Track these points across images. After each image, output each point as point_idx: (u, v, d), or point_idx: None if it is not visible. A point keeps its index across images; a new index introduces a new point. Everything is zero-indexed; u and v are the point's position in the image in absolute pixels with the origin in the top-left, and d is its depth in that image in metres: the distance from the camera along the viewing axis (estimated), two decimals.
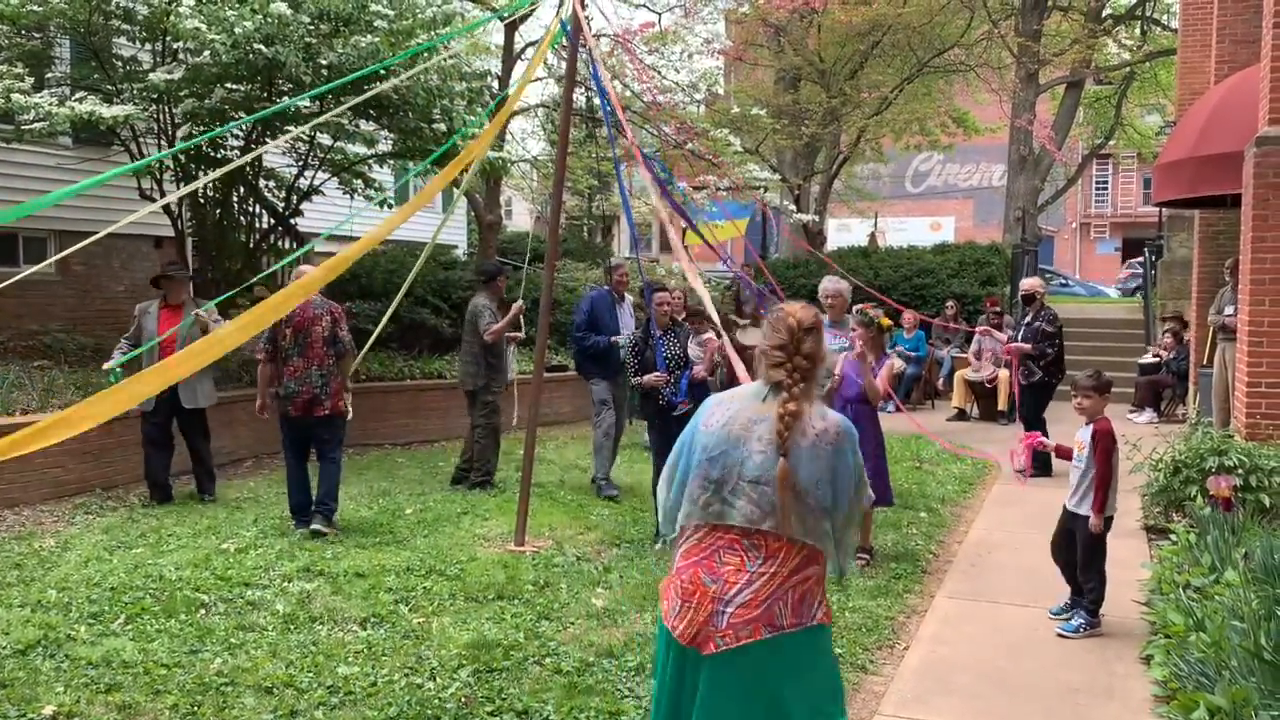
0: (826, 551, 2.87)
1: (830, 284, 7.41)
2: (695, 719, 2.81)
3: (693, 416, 3.10)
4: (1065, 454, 5.53)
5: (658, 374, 6.71)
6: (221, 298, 6.13)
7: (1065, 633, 5.05)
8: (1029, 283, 9.72)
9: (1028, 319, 9.36)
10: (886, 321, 6.55)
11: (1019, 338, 9.34)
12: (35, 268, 6.50)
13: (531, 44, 13.75)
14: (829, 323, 7.36)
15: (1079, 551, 5.15)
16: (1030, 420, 9.15)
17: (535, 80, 15.06)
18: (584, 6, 6.67)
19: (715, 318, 6.46)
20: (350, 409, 7.31)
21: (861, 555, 6.20)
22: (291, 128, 9.12)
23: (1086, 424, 5.21)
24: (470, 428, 8.55)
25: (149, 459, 7.84)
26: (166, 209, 10.54)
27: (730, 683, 2.78)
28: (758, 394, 2.96)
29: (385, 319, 7.91)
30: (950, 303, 14.88)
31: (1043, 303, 9.38)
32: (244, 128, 10.24)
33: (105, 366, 7.42)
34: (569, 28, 6.64)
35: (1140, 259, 20.59)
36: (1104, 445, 5.07)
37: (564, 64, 7.45)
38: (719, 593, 2.79)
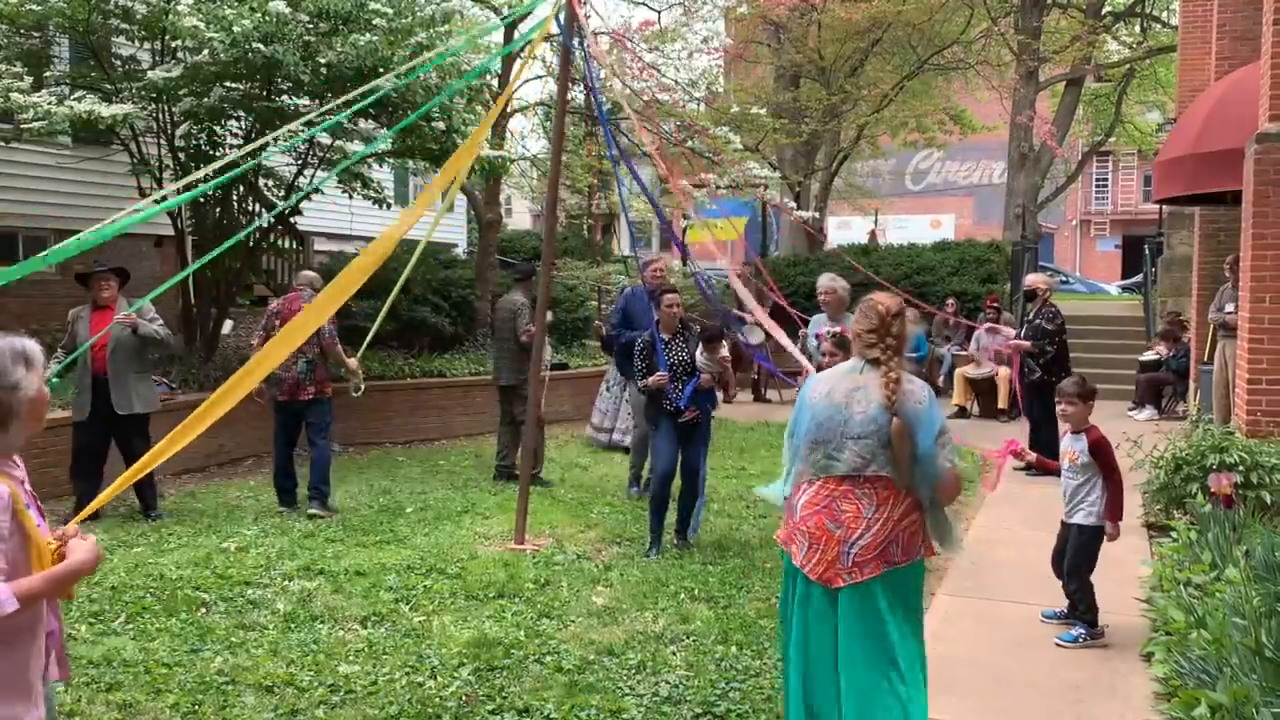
0: (920, 495, 3.37)
1: (826, 281, 7.35)
2: (832, 639, 3.35)
3: (799, 394, 3.63)
4: (1045, 466, 5.40)
5: (659, 374, 6.55)
6: (154, 294, 5.60)
7: (1063, 642, 4.95)
8: (1032, 279, 9.51)
9: (1030, 316, 9.25)
10: None
11: (1021, 335, 9.24)
12: (33, 259, 6.45)
13: (531, 42, 13.72)
14: (825, 320, 7.31)
15: (1069, 559, 5.07)
16: (1037, 420, 8.99)
17: (534, 79, 15.05)
18: (582, 3, 6.66)
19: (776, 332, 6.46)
20: (362, 385, 7.87)
21: None
22: (295, 126, 9.10)
23: (1074, 433, 5.11)
24: (505, 422, 8.77)
25: (76, 470, 7.22)
26: (168, 210, 10.52)
27: (857, 609, 3.31)
28: (853, 369, 3.50)
29: (381, 316, 7.87)
30: (950, 301, 14.89)
31: (1045, 300, 9.18)
32: (243, 128, 10.24)
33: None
34: (563, 24, 6.61)
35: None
36: (1108, 455, 5.00)
37: (548, 52, 7.43)
38: (844, 536, 3.31)
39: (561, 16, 6.64)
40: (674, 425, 6.60)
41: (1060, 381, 9.09)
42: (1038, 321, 9.05)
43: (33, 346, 2.46)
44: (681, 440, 6.66)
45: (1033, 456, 5.30)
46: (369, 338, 8.00)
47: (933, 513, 3.46)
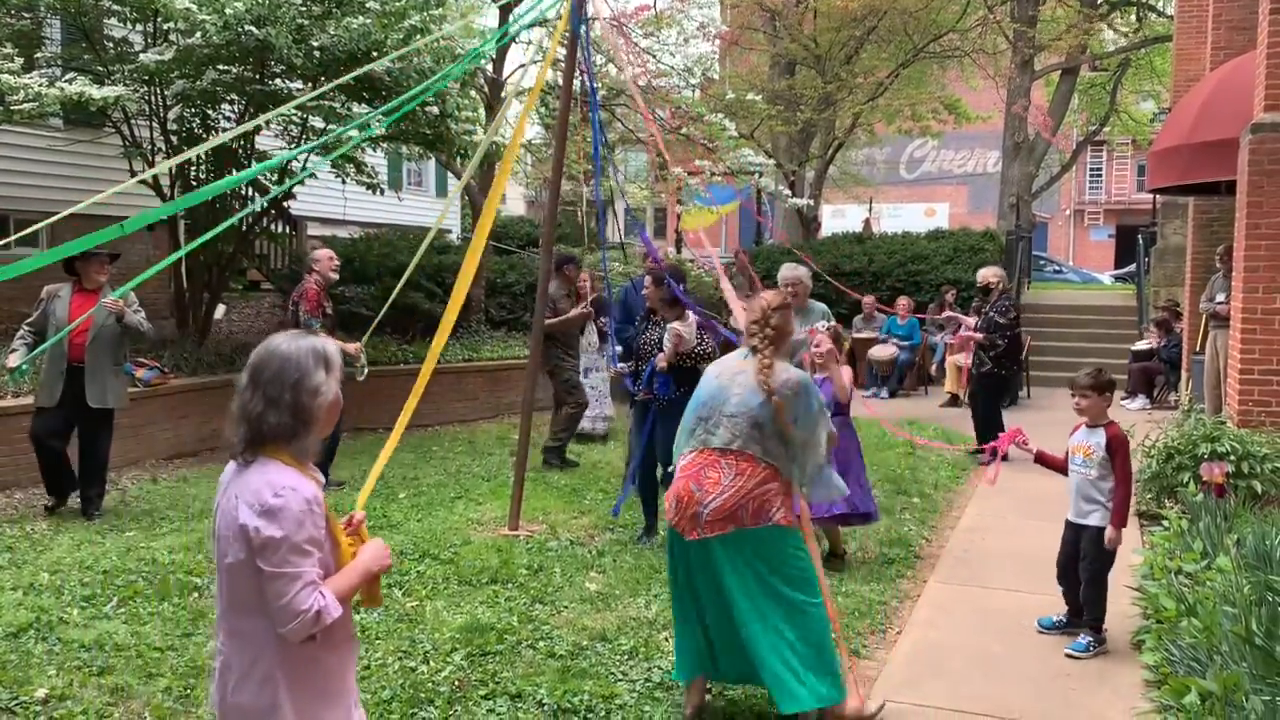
0: (784, 470, 3.83)
1: (789, 271, 7.23)
2: (693, 584, 3.96)
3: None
4: (1049, 461, 5.02)
5: (621, 366, 6.65)
6: (135, 282, 5.23)
7: (1075, 653, 4.69)
8: (985, 273, 9.76)
9: (984, 309, 9.57)
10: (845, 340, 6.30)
11: (976, 327, 9.53)
12: (19, 235, 6.32)
13: (525, 27, 13.63)
14: None
15: (1086, 565, 4.79)
16: (982, 409, 9.29)
17: (531, 64, 14.98)
18: None
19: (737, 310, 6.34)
20: (366, 368, 8.07)
21: (833, 559, 5.99)
22: (286, 110, 9.04)
23: (1090, 426, 4.84)
24: (555, 405, 9.04)
25: (45, 462, 6.88)
26: (159, 192, 10.47)
27: (708, 561, 3.86)
28: (741, 355, 4.05)
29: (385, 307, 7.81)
30: (949, 290, 14.89)
31: (999, 293, 9.46)
32: (237, 110, 10.17)
33: (9, 365, 6.55)
34: (574, 8, 6.56)
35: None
36: (1126, 454, 4.75)
37: (561, 49, 7.39)
38: (701, 498, 3.79)
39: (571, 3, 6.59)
40: (641, 412, 6.49)
41: (1009, 373, 9.51)
42: (991, 314, 9.34)
43: (331, 347, 2.44)
44: (652, 427, 6.44)
45: (1034, 447, 4.95)
46: (371, 328, 7.91)
47: (815, 478, 3.94)
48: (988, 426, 9.00)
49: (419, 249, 7.26)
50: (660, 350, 6.42)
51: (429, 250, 13.68)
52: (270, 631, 2.31)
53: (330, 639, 2.38)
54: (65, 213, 5.15)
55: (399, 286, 7.52)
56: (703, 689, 4.08)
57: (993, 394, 9.37)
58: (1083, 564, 4.82)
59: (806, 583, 3.85)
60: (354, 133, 9.72)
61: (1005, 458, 5.51)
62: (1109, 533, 4.72)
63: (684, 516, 3.83)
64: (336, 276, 8.10)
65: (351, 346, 7.94)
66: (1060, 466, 5.00)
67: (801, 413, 3.84)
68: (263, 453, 2.36)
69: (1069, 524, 4.93)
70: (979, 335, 9.28)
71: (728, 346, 7.76)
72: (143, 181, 10.10)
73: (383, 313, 7.77)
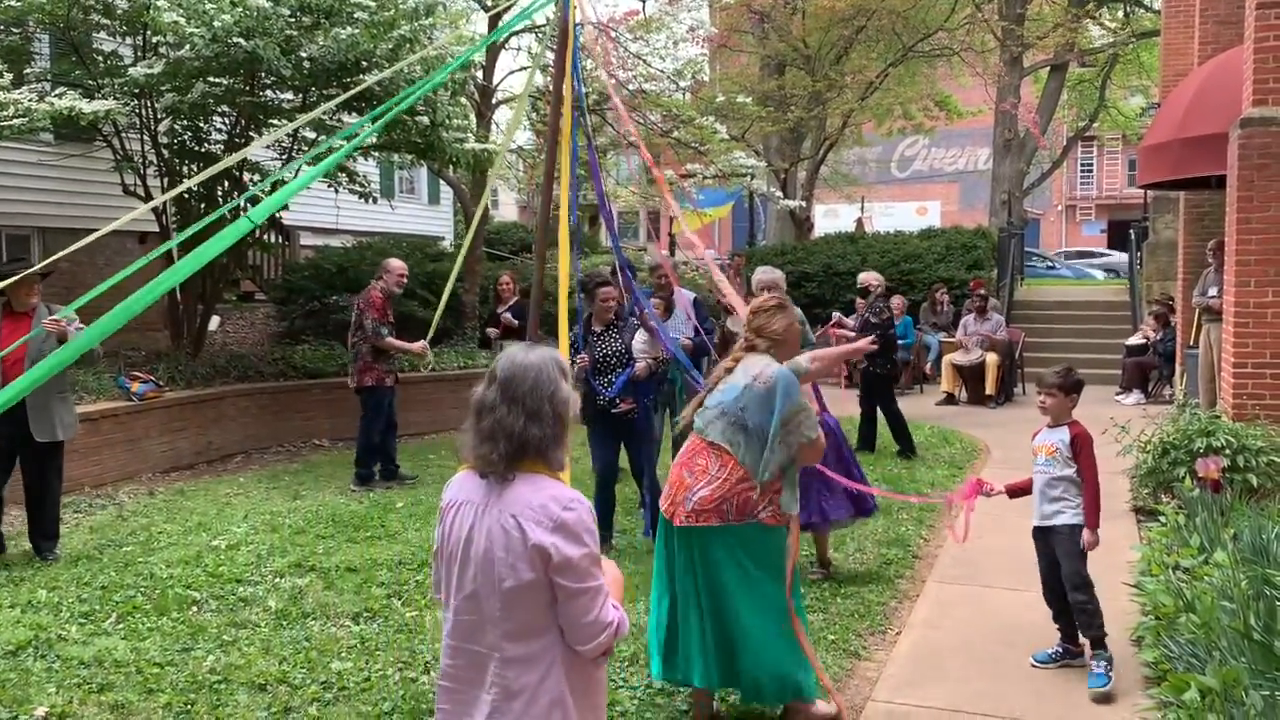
0: (745, 463, 3.86)
1: (764, 274, 7.25)
2: (676, 569, 3.99)
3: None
4: (1022, 489, 4.73)
5: (580, 355, 6.35)
6: (80, 301, 4.98)
7: (1099, 688, 4.28)
8: (864, 277, 10.21)
9: (863, 311, 10.00)
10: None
11: (855, 328, 9.91)
12: (39, 266, 6.27)
13: (515, 33, 13.66)
14: None
15: (1064, 568, 4.49)
16: (879, 407, 9.68)
17: (520, 70, 15.02)
18: None
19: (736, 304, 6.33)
20: (430, 359, 8.87)
21: (820, 569, 5.92)
22: (277, 121, 9.04)
23: (1053, 426, 4.59)
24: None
25: None
26: (154, 210, 10.46)
27: (690, 546, 3.92)
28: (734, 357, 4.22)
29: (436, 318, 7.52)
30: (941, 288, 14.91)
31: (877, 295, 9.88)
32: (228, 122, 10.16)
33: None
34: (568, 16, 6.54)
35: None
36: (1089, 452, 4.49)
37: (550, 53, 7.39)
38: (690, 484, 3.93)
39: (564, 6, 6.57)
40: (607, 423, 6.41)
41: (885, 373, 9.79)
42: (866, 315, 9.83)
43: (561, 355, 2.45)
44: (620, 439, 6.47)
45: (1000, 488, 4.70)
46: (430, 333, 7.77)
47: (784, 482, 3.91)
48: (896, 425, 9.58)
49: (409, 256, 7.21)
50: (629, 360, 6.42)
51: (421, 259, 13.73)
52: (556, 650, 2.26)
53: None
54: (74, 247, 5.12)
55: (438, 314, 7.14)
56: (709, 700, 4.08)
57: (885, 391, 9.75)
58: (1066, 569, 4.49)
59: (778, 576, 3.94)
60: (347, 143, 9.71)
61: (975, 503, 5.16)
62: (1085, 535, 4.44)
63: (674, 502, 3.95)
64: (401, 291, 8.48)
65: (416, 346, 8.28)
66: (1030, 487, 4.71)
67: (779, 406, 3.86)
68: (520, 467, 2.31)
69: (1038, 531, 4.63)
70: (853, 335, 9.64)
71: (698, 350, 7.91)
72: (132, 194, 10.10)
73: (435, 323, 7.47)
